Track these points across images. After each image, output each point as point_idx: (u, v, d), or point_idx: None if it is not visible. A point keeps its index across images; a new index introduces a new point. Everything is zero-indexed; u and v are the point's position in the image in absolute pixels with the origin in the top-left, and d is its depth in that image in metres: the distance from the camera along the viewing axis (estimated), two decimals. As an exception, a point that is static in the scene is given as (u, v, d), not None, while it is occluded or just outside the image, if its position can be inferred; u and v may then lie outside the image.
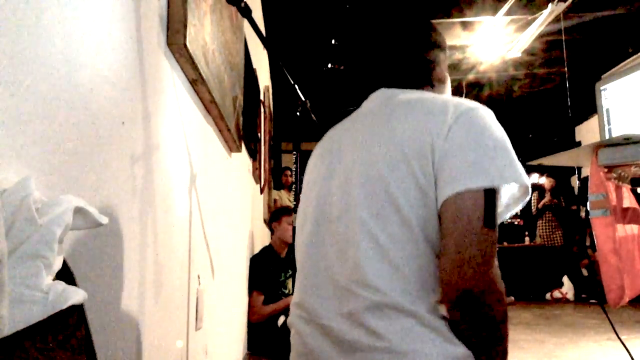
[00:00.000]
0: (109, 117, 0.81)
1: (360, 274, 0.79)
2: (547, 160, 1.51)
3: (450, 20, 4.69)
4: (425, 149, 0.80)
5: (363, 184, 0.84)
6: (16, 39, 0.55)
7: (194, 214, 1.42)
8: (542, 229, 7.05)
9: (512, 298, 6.31)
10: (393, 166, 0.81)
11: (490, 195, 0.76)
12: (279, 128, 6.37)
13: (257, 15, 3.82)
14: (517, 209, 0.89)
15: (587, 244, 6.76)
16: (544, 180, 7.19)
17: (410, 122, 0.84)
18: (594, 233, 1.43)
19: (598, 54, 5.41)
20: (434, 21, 1.03)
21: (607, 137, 1.46)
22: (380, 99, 0.95)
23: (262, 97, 3.85)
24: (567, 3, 4.11)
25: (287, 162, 7.27)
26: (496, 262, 0.77)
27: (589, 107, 6.54)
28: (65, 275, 0.55)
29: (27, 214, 0.48)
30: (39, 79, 0.60)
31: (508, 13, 4.46)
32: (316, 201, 0.92)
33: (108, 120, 0.80)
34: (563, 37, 4.78)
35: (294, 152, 6.98)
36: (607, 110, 1.48)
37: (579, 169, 6.98)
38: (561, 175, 7.63)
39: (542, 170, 7.53)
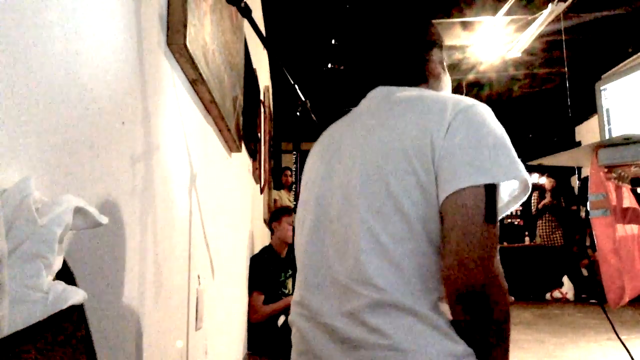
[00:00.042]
0: (109, 117, 0.81)
1: (360, 272, 0.79)
2: (547, 160, 1.51)
3: (450, 20, 4.69)
4: (425, 146, 0.80)
5: (363, 183, 0.84)
6: (16, 39, 0.55)
7: (194, 214, 1.42)
8: (542, 229, 7.05)
9: (512, 298, 6.31)
10: (393, 164, 0.81)
11: (491, 192, 0.76)
12: (279, 128, 6.37)
13: (257, 15, 3.82)
14: (517, 205, 0.89)
15: (587, 244, 6.76)
16: (544, 181, 7.19)
17: (410, 120, 0.84)
18: (594, 233, 1.43)
19: (598, 54, 5.41)
20: (434, 21, 1.03)
21: (607, 137, 1.46)
22: (378, 97, 0.95)
23: (262, 97, 3.85)
24: (567, 3, 4.12)
25: (287, 162, 7.27)
26: (499, 259, 0.77)
27: (589, 107, 6.53)
28: (65, 275, 0.55)
29: (27, 214, 0.48)
30: (39, 79, 0.60)
31: (508, 13, 4.46)
32: (316, 200, 0.92)
33: (108, 120, 0.80)
34: (563, 37, 4.78)
35: (294, 152, 6.98)
36: (607, 110, 1.48)
37: (579, 169, 6.97)
38: (561, 175, 7.63)
39: (542, 170, 7.52)
